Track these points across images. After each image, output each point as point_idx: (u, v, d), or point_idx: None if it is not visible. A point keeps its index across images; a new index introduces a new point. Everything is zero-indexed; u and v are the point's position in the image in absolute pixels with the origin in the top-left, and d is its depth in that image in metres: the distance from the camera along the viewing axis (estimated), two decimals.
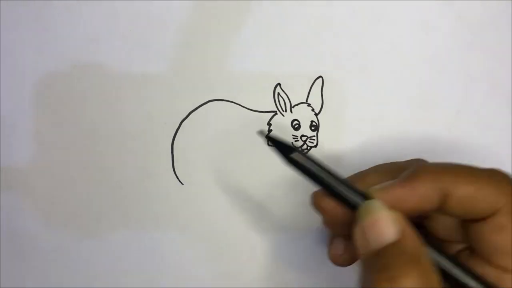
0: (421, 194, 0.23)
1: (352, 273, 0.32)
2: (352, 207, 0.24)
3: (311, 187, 0.32)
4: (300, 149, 0.24)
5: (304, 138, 0.32)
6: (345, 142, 0.33)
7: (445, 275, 0.23)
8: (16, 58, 0.31)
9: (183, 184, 0.32)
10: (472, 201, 0.23)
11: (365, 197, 0.23)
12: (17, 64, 0.31)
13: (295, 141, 0.32)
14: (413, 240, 0.22)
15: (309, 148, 0.32)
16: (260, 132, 0.26)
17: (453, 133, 0.33)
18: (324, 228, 0.30)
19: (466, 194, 0.23)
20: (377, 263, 0.21)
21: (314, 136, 0.32)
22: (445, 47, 0.33)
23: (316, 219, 0.32)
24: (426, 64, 0.33)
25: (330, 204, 0.25)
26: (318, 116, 0.32)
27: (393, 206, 0.23)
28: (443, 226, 0.26)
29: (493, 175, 0.23)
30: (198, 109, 0.32)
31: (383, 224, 0.22)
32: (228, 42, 0.32)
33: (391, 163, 0.28)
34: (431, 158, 0.33)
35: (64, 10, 0.31)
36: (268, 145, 0.26)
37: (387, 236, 0.22)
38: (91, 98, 0.31)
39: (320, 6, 0.32)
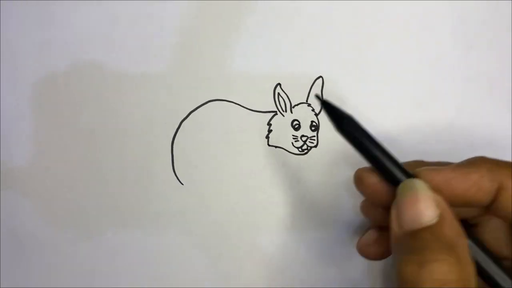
0: (475, 181, 0.22)
1: (353, 274, 0.33)
2: (397, 185, 0.22)
3: (311, 187, 0.32)
4: (352, 117, 0.24)
5: (304, 138, 0.32)
6: (345, 142, 0.33)
7: (483, 274, 0.22)
8: (16, 58, 0.31)
9: (183, 184, 0.32)
10: None
11: (413, 176, 0.22)
12: (17, 64, 0.31)
13: (295, 141, 0.32)
14: (453, 226, 0.21)
15: (309, 148, 0.32)
16: (316, 96, 0.25)
17: (453, 133, 0.33)
18: (361, 214, 0.29)
19: None
20: (410, 244, 0.20)
21: (314, 136, 0.32)
22: (445, 47, 0.33)
23: (316, 219, 0.32)
24: (426, 64, 0.33)
25: (374, 179, 0.24)
26: (318, 116, 0.32)
27: (441, 190, 0.22)
28: (494, 237, 0.25)
29: None
30: (198, 109, 0.32)
31: (423, 205, 0.21)
32: (228, 42, 0.32)
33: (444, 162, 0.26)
34: (431, 158, 0.33)
35: (64, 10, 0.31)
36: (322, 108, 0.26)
37: (426, 218, 0.20)
38: (91, 98, 0.31)
39: (320, 6, 0.32)
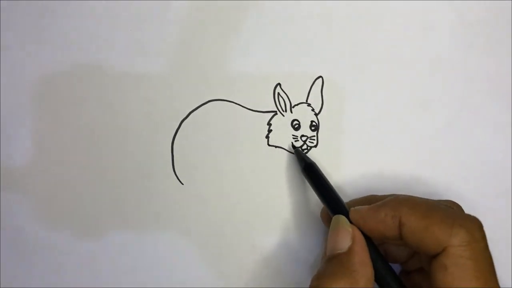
0: (380, 219, 0.26)
1: None
2: None
3: (311, 187, 0.32)
4: (315, 164, 0.31)
5: (304, 138, 0.32)
6: (345, 142, 0.33)
7: None
8: (16, 58, 0.31)
9: (183, 184, 0.32)
10: (422, 235, 0.24)
11: (347, 213, 0.27)
12: (17, 64, 0.31)
13: (295, 141, 0.32)
14: (358, 257, 0.25)
15: (309, 148, 0.32)
16: (293, 146, 0.32)
17: (453, 133, 0.33)
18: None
19: (416, 227, 0.25)
20: (322, 266, 0.26)
21: (314, 136, 0.32)
22: (445, 47, 0.33)
23: (315, 219, 0.32)
24: (426, 64, 0.33)
25: (328, 216, 0.29)
26: (318, 116, 0.32)
27: (361, 227, 0.26)
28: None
29: (450, 217, 0.25)
30: (198, 109, 0.32)
31: (340, 237, 0.26)
32: (227, 42, 0.32)
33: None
34: (431, 158, 0.33)
35: (64, 10, 0.31)
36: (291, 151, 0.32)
37: (339, 247, 0.26)
38: (91, 98, 0.32)
39: (320, 6, 0.32)
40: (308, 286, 0.33)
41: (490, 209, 0.33)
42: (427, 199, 0.27)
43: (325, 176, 0.30)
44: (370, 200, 0.28)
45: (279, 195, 0.32)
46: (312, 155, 0.32)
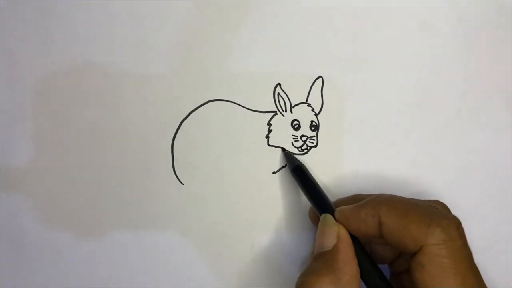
0: (361, 218, 0.26)
1: None
2: None
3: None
4: (304, 165, 0.31)
5: (304, 138, 0.32)
6: (345, 142, 0.33)
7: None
8: (16, 58, 0.31)
9: (183, 184, 0.32)
10: (400, 234, 0.25)
11: (332, 212, 0.28)
12: (17, 64, 0.31)
13: (295, 141, 0.32)
14: (342, 254, 0.26)
15: (309, 148, 0.32)
16: (282, 149, 0.32)
17: (453, 133, 0.33)
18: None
19: (394, 226, 0.25)
20: (309, 263, 0.26)
21: (314, 136, 0.32)
22: (445, 47, 0.33)
23: None
24: (426, 64, 0.33)
25: (316, 216, 0.30)
26: (318, 116, 0.32)
27: (344, 225, 0.27)
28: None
29: (427, 216, 0.25)
30: (198, 109, 0.32)
31: (326, 235, 0.27)
32: (228, 42, 0.32)
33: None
34: (431, 158, 0.33)
35: (64, 10, 0.31)
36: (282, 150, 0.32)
37: (325, 245, 0.26)
38: (91, 98, 0.32)
39: (320, 6, 0.32)
40: None
41: (490, 209, 0.33)
42: (408, 198, 0.27)
43: (313, 177, 0.31)
44: (356, 199, 0.28)
45: (279, 195, 0.32)
46: (312, 155, 0.32)
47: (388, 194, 0.27)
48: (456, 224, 0.25)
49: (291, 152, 0.32)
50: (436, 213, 0.25)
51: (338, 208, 0.28)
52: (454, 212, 0.32)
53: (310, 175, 0.31)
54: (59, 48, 0.31)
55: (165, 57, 0.32)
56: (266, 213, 0.32)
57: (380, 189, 0.32)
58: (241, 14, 0.32)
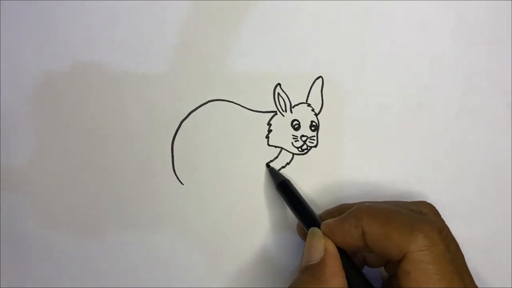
0: (345, 230, 0.26)
1: None
2: None
3: (311, 187, 0.32)
4: (288, 181, 0.31)
5: (304, 138, 0.32)
6: (345, 142, 0.33)
7: None
8: (16, 58, 0.31)
9: (183, 184, 0.32)
10: (383, 243, 0.25)
11: (319, 226, 0.28)
12: (17, 64, 0.31)
13: (295, 141, 0.32)
14: (329, 267, 0.26)
15: (309, 148, 0.32)
16: (267, 164, 0.32)
17: (453, 133, 0.33)
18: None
19: (377, 235, 0.25)
20: (297, 276, 0.26)
21: (314, 136, 0.32)
22: (445, 47, 0.33)
23: None
24: (426, 64, 0.33)
25: (303, 231, 0.30)
26: (318, 116, 0.32)
27: (331, 238, 0.27)
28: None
29: (409, 222, 0.25)
30: (198, 109, 0.32)
31: (313, 248, 0.27)
32: (228, 42, 0.32)
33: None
34: (431, 158, 0.33)
35: (64, 10, 0.31)
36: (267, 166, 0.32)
37: (312, 258, 0.26)
38: (91, 98, 0.32)
39: (320, 6, 0.32)
40: None
41: (490, 209, 0.33)
42: (392, 204, 0.27)
43: (298, 192, 0.31)
44: (341, 210, 0.28)
45: (279, 195, 0.32)
46: (312, 155, 0.32)
47: (369, 203, 0.28)
48: (438, 228, 0.25)
49: (274, 169, 0.32)
50: (417, 219, 0.25)
51: (323, 222, 0.28)
52: (454, 212, 0.32)
53: (296, 190, 0.31)
54: (59, 48, 0.31)
55: (165, 57, 0.32)
56: (266, 213, 0.32)
57: (380, 189, 0.32)
58: (241, 14, 0.32)
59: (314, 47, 0.32)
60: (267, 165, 0.32)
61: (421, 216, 0.26)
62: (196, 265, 0.32)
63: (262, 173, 0.32)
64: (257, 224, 0.32)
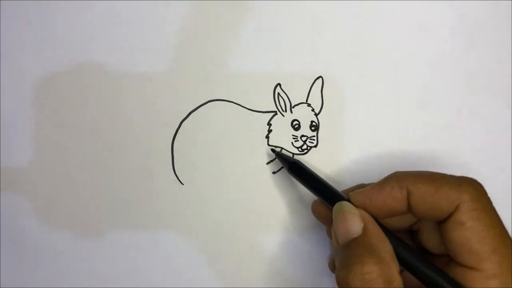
0: (388, 193, 0.26)
1: None
2: None
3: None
4: (298, 162, 0.30)
5: (304, 138, 0.32)
6: (345, 142, 0.33)
7: (413, 270, 0.25)
8: (16, 58, 0.31)
9: (183, 184, 0.32)
10: (431, 199, 0.25)
11: (346, 200, 0.27)
12: (17, 64, 0.31)
13: (295, 141, 0.32)
14: (375, 235, 0.25)
15: (309, 148, 0.32)
16: (272, 150, 0.32)
17: (453, 133, 0.33)
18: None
19: (425, 192, 0.25)
20: (343, 254, 0.25)
21: (314, 136, 0.32)
22: (445, 47, 0.33)
23: (315, 219, 0.32)
24: (426, 64, 0.33)
25: (323, 209, 0.29)
26: (318, 116, 0.32)
27: (366, 207, 0.26)
28: (430, 238, 0.28)
29: (455, 179, 0.25)
30: (198, 109, 0.32)
31: (350, 222, 0.25)
32: (228, 42, 0.32)
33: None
34: (431, 158, 0.33)
35: (64, 10, 0.31)
36: (273, 151, 0.32)
37: (352, 231, 0.25)
38: (91, 98, 0.32)
39: (320, 6, 0.32)
40: (309, 285, 0.33)
41: None
42: (425, 171, 0.27)
43: (312, 171, 0.30)
44: (361, 188, 0.28)
45: (278, 195, 0.32)
46: (312, 155, 0.32)
47: (401, 171, 0.27)
48: (479, 183, 0.26)
49: (282, 153, 0.32)
50: (461, 176, 0.26)
51: (355, 191, 0.27)
52: None
53: (309, 169, 0.30)
54: (59, 48, 0.31)
55: (165, 57, 0.32)
56: (266, 213, 0.32)
57: None
58: (241, 14, 0.32)
59: (314, 47, 0.32)
60: (273, 150, 0.32)
61: (461, 176, 0.26)
62: (196, 265, 0.32)
63: (262, 173, 0.32)
64: (257, 224, 0.32)
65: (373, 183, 0.27)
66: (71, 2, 0.31)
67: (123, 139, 0.32)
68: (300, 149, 0.32)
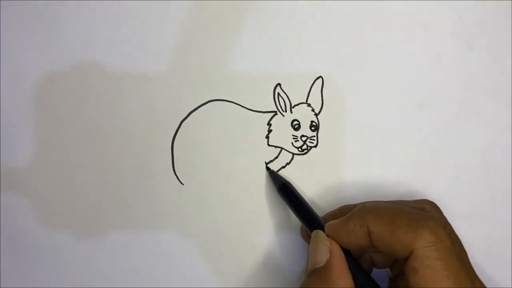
0: (350, 230, 0.26)
1: None
2: None
3: (311, 187, 0.32)
4: (289, 183, 0.31)
5: (304, 138, 0.32)
6: (345, 142, 0.33)
7: None
8: (16, 58, 0.31)
9: (183, 184, 0.32)
10: (389, 241, 0.25)
11: (322, 228, 0.28)
12: (17, 64, 0.31)
13: (295, 141, 0.32)
14: (336, 270, 0.26)
15: (309, 148, 0.32)
16: (267, 168, 0.32)
17: (453, 133, 0.33)
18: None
19: (383, 233, 0.25)
20: (304, 280, 0.26)
21: (314, 136, 0.32)
22: (445, 47, 0.33)
23: None
24: (426, 64, 0.33)
25: (307, 233, 0.30)
26: (318, 116, 0.32)
27: (335, 239, 0.27)
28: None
29: (414, 219, 0.25)
30: (198, 109, 0.32)
31: (318, 251, 0.27)
32: (228, 42, 0.32)
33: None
34: (431, 158, 0.33)
35: (64, 10, 0.31)
36: (267, 169, 0.32)
37: (319, 260, 0.26)
38: (91, 98, 0.32)
39: (320, 6, 0.32)
40: None
41: (490, 210, 0.33)
42: (394, 203, 0.27)
43: (300, 194, 0.31)
44: (343, 212, 0.28)
45: (278, 195, 0.32)
46: (312, 155, 0.32)
47: (372, 202, 0.27)
48: (443, 224, 0.25)
49: (275, 172, 0.32)
50: (422, 215, 0.25)
51: (327, 224, 0.28)
52: (454, 212, 0.32)
53: (297, 192, 0.31)
54: (59, 48, 0.31)
55: (165, 57, 0.32)
56: (266, 213, 0.32)
57: (380, 189, 0.32)
58: (241, 14, 0.32)
59: (314, 47, 0.32)
60: (267, 168, 0.32)
61: (425, 212, 0.26)
62: (196, 265, 0.32)
63: (262, 173, 0.32)
64: (257, 224, 0.32)
65: (346, 215, 0.27)
66: (71, 2, 0.31)
67: (123, 139, 0.32)
68: (300, 149, 0.32)
